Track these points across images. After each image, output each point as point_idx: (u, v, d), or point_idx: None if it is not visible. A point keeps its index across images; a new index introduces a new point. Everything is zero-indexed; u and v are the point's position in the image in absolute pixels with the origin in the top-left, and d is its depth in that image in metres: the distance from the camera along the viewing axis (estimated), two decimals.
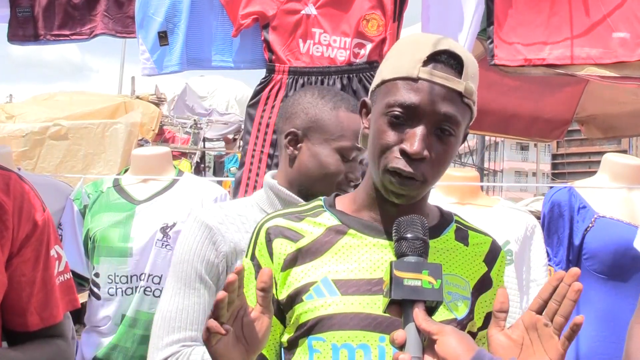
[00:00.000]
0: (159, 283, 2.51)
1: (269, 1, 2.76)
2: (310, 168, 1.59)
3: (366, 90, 2.56)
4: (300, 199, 1.57)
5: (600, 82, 2.87)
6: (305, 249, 1.23)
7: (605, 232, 2.52)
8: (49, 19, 3.02)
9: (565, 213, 2.59)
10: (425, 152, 1.15)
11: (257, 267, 1.25)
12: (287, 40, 2.75)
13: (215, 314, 1.03)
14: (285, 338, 1.24)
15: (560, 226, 2.60)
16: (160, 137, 7.76)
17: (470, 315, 1.24)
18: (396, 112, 1.16)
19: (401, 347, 1.03)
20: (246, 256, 1.29)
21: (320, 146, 1.59)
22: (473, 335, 1.27)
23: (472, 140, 15.66)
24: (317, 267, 1.21)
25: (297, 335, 1.21)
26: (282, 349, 1.26)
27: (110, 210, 2.62)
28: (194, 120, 8.84)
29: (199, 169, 8.38)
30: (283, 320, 1.24)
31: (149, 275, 2.51)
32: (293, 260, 1.23)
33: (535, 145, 20.60)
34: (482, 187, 2.86)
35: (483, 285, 1.28)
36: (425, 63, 1.16)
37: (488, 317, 1.26)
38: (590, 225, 2.54)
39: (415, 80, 1.16)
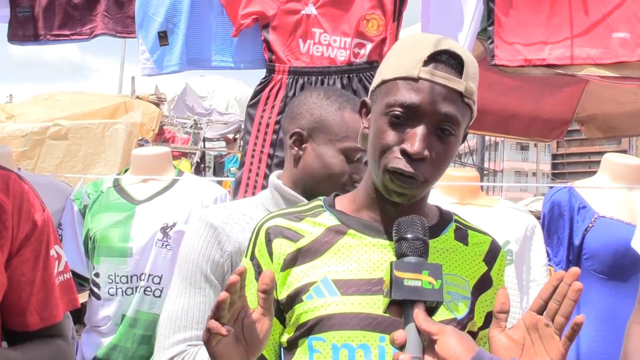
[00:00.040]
0: (159, 283, 2.51)
1: (269, 1, 2.76)
2: (315, 168, 1.59)
3: (366, 90, 2.56)
4: (304, 200, 1.57)
5: (600, 82, 2.87)
6: (305, 249, 1.23)
7: (605, 232, 2.52)
8: (49, 19, 3.02)
9: (565, 213, 2.59)
10: (426, 152, 1.15)
11: (257, 267, 1.25)
12: (287, 40, 2.75)
13: (216, 314, 1.03)
14: (285, 338, 1.24)
15: (560, 226, 2.60)
16: (160, 137, 7.77)
17: (470, 315, 1.24)
18: (397, 112, 1.16)
19: (401, 347, 1.03)
20: (245, 256, 1.29)
21: (325, 147, 1.59)
22: (474, 335, 1.26)
23: (472, 140, 15.66)
24: (317, 267, 1.21)
25: (297, 335, 1.21)
26: (282, 349, 1.26)
27: (110, 210, 2.62)
28: (194, 120, 8.85)
29: (199, 169, 8.38)
30: (283, 321, 1.24)
31: (149, 275, 2.51)
32: (293, 260, 1.22)
33: (535, 145, 20.60)
34: (482, 187, 2.86)
35: (483, 284, 1.28)
36: (426, 63, 1.16)
37: (488, 317, 1.26)
38: (590, 225, 2.54)
39: (416, 80, 1.16)
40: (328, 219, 1.26)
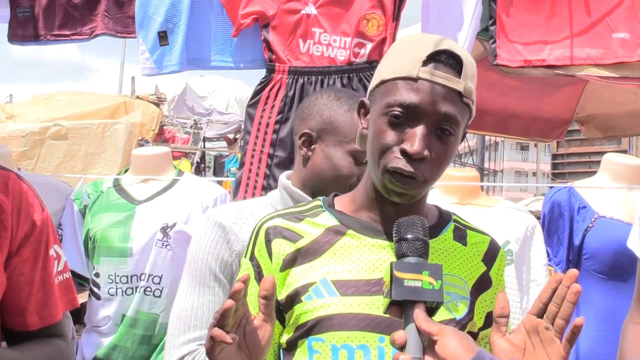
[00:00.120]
0: (159, 283, 2.51)
1: (269, 1, 2.76)
2: (324, 170, 1.59)
3: (366, 90, 2.56)
4: None
5: (600, 83, 2.87)
6: (304, 249, 1.23)
7: (605, 232, 2.51)
8: (49, 19, 3.02)
9: (565, 213, 2.59)
10: (426, 152, 1.15)
11: (257, 267, 1.25)
12: (287, 40, 2.75)
13: (221, 322, 1.02)
14: (285, 339, 1.24)
15: (560, 226, 2.60)
16: (160, 137, 7.77)
17: (469, 315, 1.24)
18: (396, 112, 1.16)
19: (402, 347, 1.03)
20: (245, 256, 1.29)
21: (334, 148, 1.58)
22: (474, 335, 1.26)
23: (472, 140, 15.65)
24: (316, 268, 1.21)
25: (297, 336, 1.21)
26: (281, 350, 1.26)
27: (111, 210, 2.62)
28: (194, 120, 8.85)
29: (199, 169, 8.38)
30: (282, 321, 1.24)
31: (149, 275, 2.51)
32: (292, 261, 1.22)
33: (535, 145, 20.58)
34: (482, 187, 2.86)
35: (482, 284, 1.28)
36: (425, 63, 1.16)
37: (489, 317, 1.26)
38: (590, 225, 2.54)
39: (415, 80, 1.16)
40: (327, 219, 1.26)
